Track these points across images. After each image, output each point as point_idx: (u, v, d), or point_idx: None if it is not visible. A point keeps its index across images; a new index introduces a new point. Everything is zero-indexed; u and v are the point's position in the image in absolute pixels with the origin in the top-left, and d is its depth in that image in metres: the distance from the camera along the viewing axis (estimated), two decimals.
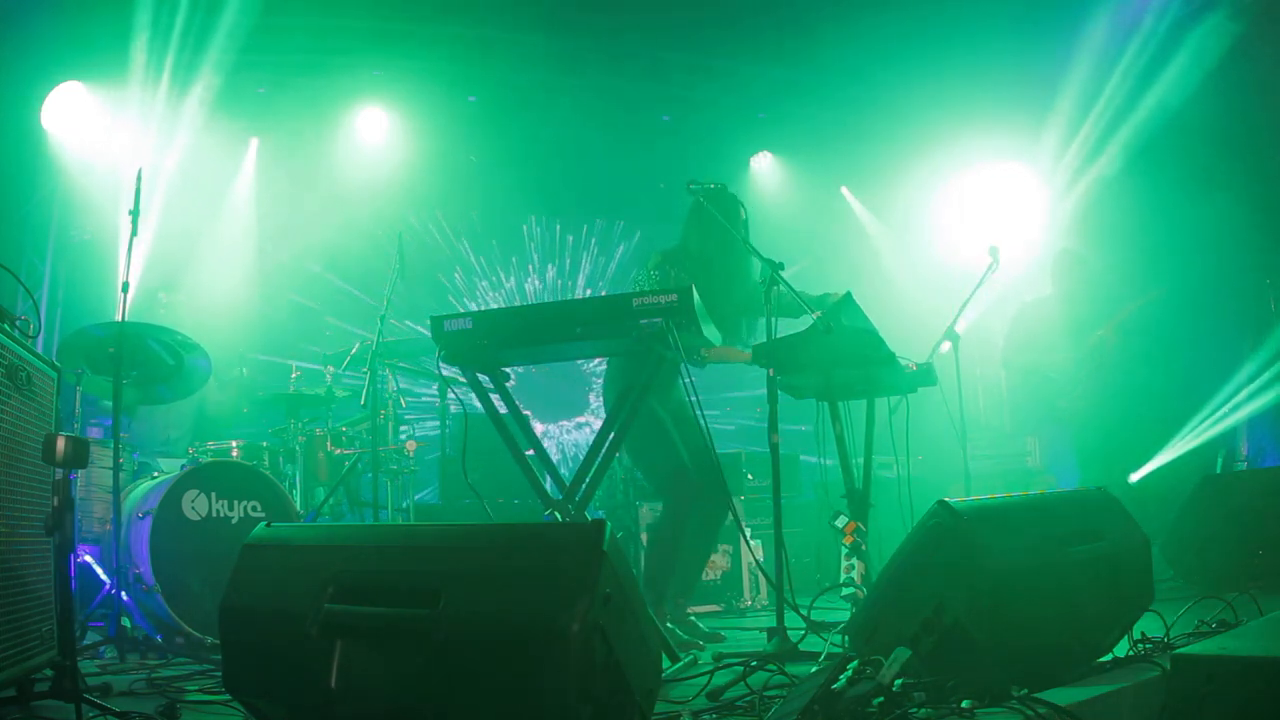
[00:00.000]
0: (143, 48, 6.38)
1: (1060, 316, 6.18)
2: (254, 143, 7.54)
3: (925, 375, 4.23)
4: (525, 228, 9.07)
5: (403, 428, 5.89)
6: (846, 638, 3.04)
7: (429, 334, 3.38)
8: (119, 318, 3.99)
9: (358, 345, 5.46)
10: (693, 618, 4.31)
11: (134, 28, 6.32)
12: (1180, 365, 6.76)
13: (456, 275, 8.69)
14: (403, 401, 5.85)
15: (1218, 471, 6.29)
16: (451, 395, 6.31)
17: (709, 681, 2.73)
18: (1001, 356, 6.49)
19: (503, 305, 8.57)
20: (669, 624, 4.11)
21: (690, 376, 3.47)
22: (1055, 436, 6.41)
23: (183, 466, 4.43)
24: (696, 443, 3.99)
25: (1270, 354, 6.31)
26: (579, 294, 9.07)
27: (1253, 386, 6.36)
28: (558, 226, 9.17)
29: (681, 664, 3.30)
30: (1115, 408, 6.03)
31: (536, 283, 9.09)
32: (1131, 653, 2.83)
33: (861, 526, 4.07)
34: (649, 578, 4.18)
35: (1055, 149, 7.47)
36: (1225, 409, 6.46)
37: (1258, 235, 6.47)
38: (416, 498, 5.88)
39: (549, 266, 9.15)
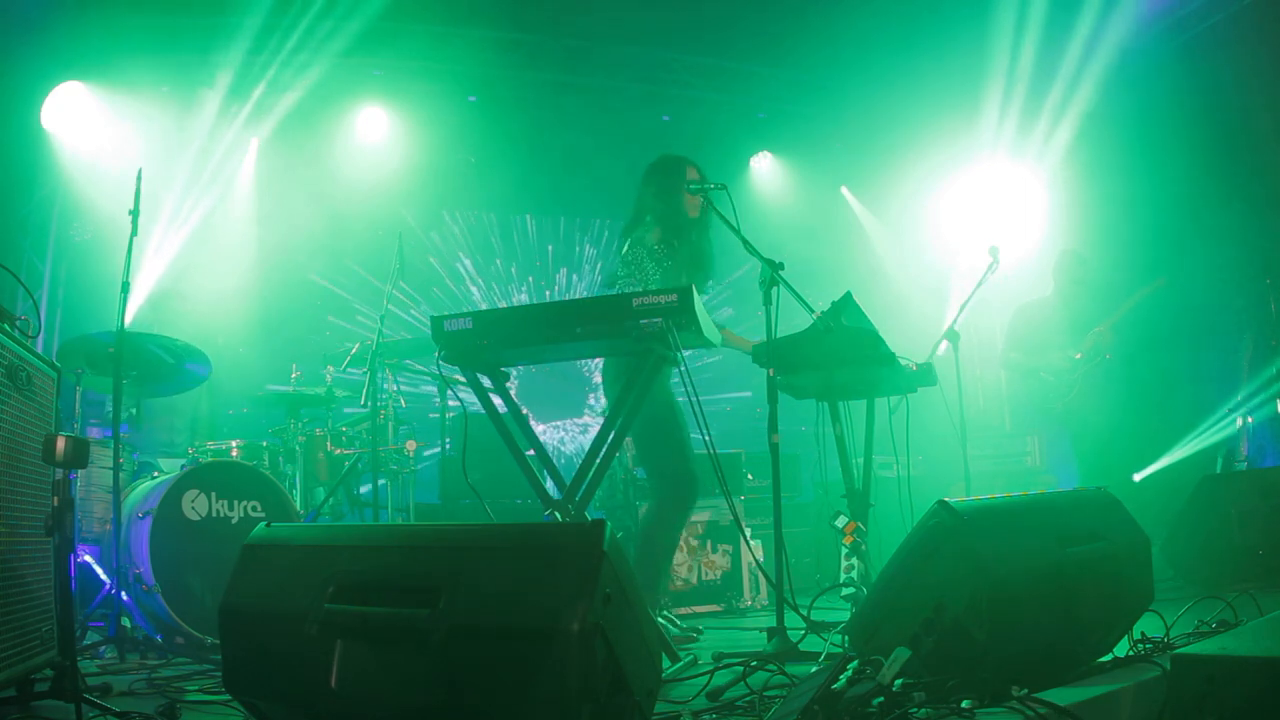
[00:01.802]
0: (144, 49, 6.39)
1: (1060, 316, 6.18)
2: (254, 143, 7.54)
3: (925, 375, 4.23)
4: (525, 228, 9.07)
5: (404, 427, 5.89)
6: (846, 638, 3.05)
7: (429, 333, 3.39)
8: (119, 319, 3.98)
9: (358, 345, 5.46)
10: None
11: (134, 29, 6.33)
12: (1180, 366, 6.76)
13: (456, 275, 8.69)
14: (403, 402, 5.85)
15: (1218, 471, 6.29)
16: (451, 395, 6.30)
17: (709, 681, 2.73)
18: (1001, 356, 6.49)
19: (502, 305, 8.57)
20: (662, 617, 4.13)
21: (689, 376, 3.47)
22: (1055, 436, 6.40)
23: (183, 466, 4.43)
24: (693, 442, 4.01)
25: (1271, 355, 6.30)
26: (578, 294, 9.06)
27: (1253, 389, 6.36)
28: (556, 226, 9.17)
29: (681, 664, 3.30)
30: (1115, 407, 6.03)
31: (535, 281, 9.09)
32: (1131, 653, 2.83)
33: (861, 526, 4.08)
34: (643, 573, 4.12)
35: (1045, 137, 7.48)
36: (1226, 411, 6.46)
37: (1257, 233, 6.46)
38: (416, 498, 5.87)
39: (548, 267, 9.14)
